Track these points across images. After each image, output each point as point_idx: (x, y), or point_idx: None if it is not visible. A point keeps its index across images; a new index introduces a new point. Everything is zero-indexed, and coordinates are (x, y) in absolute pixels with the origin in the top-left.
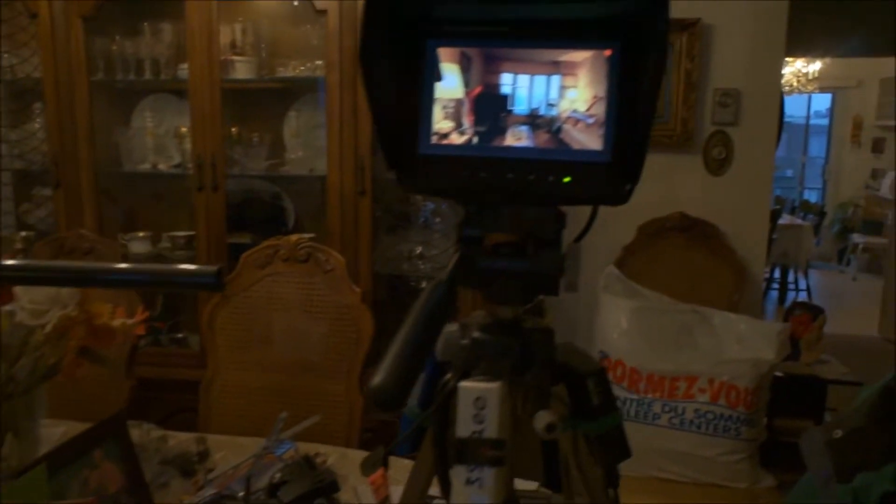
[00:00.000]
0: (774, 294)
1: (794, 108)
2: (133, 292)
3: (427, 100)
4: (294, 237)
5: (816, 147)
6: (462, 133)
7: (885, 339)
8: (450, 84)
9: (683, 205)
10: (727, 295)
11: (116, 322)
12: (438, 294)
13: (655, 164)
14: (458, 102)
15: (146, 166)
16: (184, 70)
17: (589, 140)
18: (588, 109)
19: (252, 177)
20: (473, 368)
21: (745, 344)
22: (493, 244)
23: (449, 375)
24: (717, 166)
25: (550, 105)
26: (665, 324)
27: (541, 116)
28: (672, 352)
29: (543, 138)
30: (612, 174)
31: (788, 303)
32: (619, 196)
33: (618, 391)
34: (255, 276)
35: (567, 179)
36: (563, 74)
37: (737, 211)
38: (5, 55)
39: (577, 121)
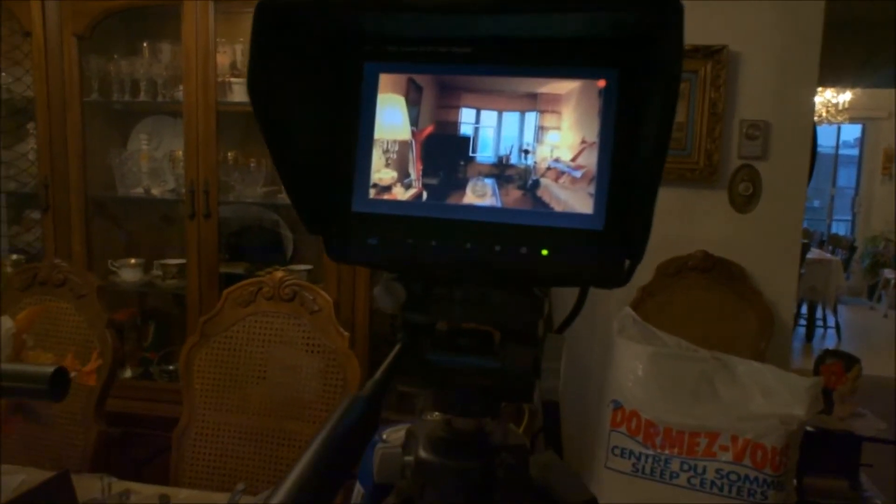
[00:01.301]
0: (801, 331)
1: (823, 138)
2: (103, 331)
3: (364, 141)
4: (279, 273)
5: (845, 178)
6: (408, 186)
7: None
8: (393, 121)
9: (706, 243)
10: (753, 342)
11: None
12: (356, 413)
13: (677, 199)
14: (404, 146)
15: (139, 191)
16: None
17: (575, 200)
18: (575, 158)
19: (250, 203)
20: (419, 497)
21: (772, 398)
22: (447, 331)
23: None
24: (743, 203)
25: (525, 152)
26: (684, 372)
27: (511, 167)
28: (692, 403)
29: (515, 196)
30: (605, 246)
31: (816, 339)
32: (615, 276)
33: (632, 445)
34: (238, 314)
35: (545, 252)
36: (542, 111)
37: (764, 251)
38: (2, 74)
39: (559, 173)
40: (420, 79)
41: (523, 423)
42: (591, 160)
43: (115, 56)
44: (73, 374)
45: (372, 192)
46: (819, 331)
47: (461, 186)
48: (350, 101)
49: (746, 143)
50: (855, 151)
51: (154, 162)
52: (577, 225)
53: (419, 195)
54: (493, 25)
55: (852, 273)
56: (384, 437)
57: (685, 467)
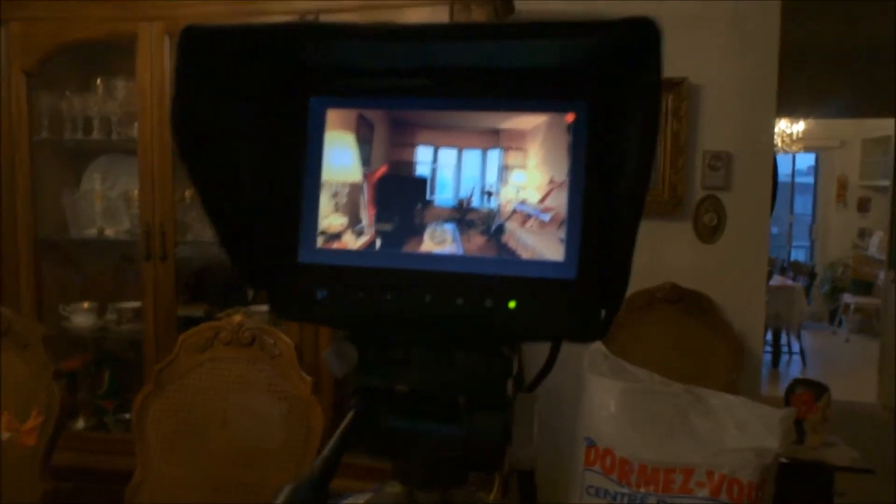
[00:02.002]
0: (767, 357)
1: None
2: (49, 382)
3: (311, 184)
4: (237, 317)
5: (801, 205)
6: (359, 233)
7: (885, 406)
8: (342, 162)
9: (674, 275)
10: (724, 373)
11: None
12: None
13: (643, 231)
14: (355, 189)
15: (93, 232)
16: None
17: (544, 246)
18: (543, 200)
19: (209, 243)
20: None
21: (746, 430)
22: (407, 394)
23: None
24: (708, 233)
25: (488, 193)
26: (657, 407)
27: (473, 210)
28: (666, 439)
29: (477, 243)
30: (579, 297)
31: (782, 365)
32: (590, 328)
33: (607, 484)
34: (194, 360)
35: (513, 305)
36: (506, 149)
37: (731, 281)
38: None
39: (526, 217)
40: (371, 114)
41: (493, 489)
42: (560, 201)
43: (67, 93)
44: (7, 436)
45: (320, 241)
46: (784, 357)
47: (418, 233)
48: (294, 140)
49: (710, 173)
50: (810, 179)
51: (108, 202)
52: (547, 274)
53: (372, 243)
54: (450, 55)
55: (813, 298)
56: None
57: None
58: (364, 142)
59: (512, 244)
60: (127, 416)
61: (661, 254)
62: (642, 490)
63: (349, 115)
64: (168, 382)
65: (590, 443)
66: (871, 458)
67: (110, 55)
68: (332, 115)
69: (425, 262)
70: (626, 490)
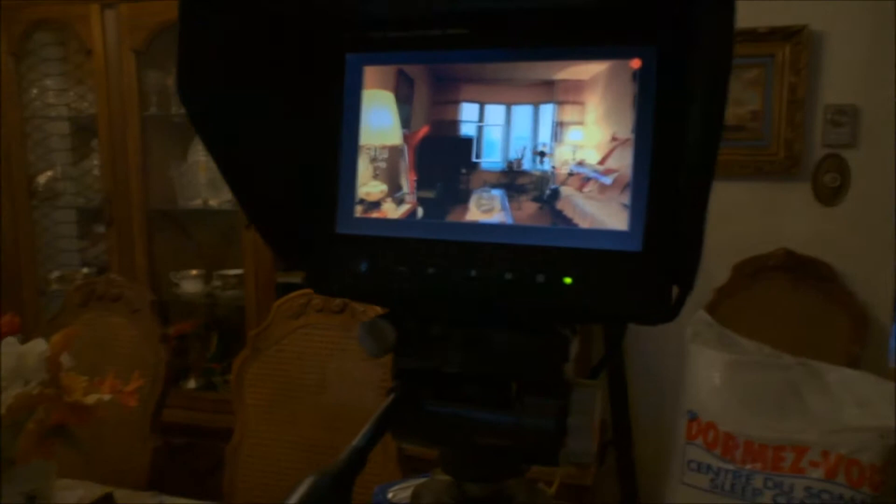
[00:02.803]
0: None
1: None
2: (157, 345)
3: (348, 149)
4: None
5: None
6: (400, 201)
7: None
8: (382, 123)
9: (789, 241)
10: (845, 347)
11: (91, 398)
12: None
13: (754, 193)
14: (395, 152)
15: (198, 202)
16: None
17: (606, 213)
18: (604, 161)
19: None
20: None
21: (868, 409)
22: (454, 376)
23: None
24: (830, 195)
25: (540, 154)
26: (767, 381)
27: (524, 174)
28: (776, 415)
29: (529, 210)
30: (645, 272)
31: None
32: (659, 308)
33: (710, 459)
34: (289, 327)
35: (569, 281)
36: (561, 103)
37: (856, 247)
38: (70, 92)
39: (585, 180)
40: (411, 70)
41: (555, 483)
42: (624, 162)
43: (173, 69)
44: (108, 397)
45: (358, 210)
46: None
47: (463, 200)
48: (328, 102)
49: (832, 130)
50: None
51: (212, 173)
52: (609, 245)
53: (413, 212)
54: None
55: None
56: (389, 496)
57: (770, 484)
58: (404, 101)
59: (568, 212)
60: None
61: (775, 218)
62: (748, 467)
63: (388, 71)
64: (264, 348)
65: (692, 416)
66: None
67: None
68: (370, 73)
69: (471, 233)
70: (730, 466)
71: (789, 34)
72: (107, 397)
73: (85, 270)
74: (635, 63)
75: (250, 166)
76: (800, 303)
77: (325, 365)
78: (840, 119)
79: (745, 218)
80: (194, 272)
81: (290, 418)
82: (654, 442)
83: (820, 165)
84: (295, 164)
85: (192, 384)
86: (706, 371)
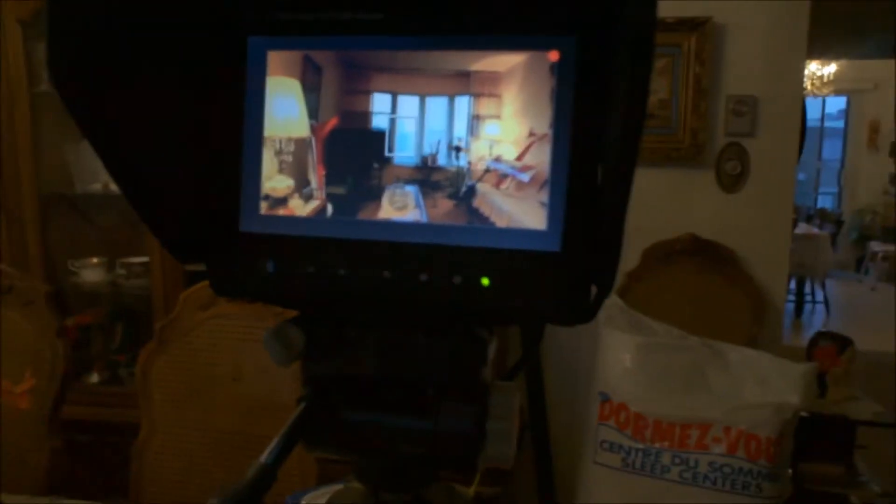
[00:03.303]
0: (790, 307)
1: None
2: (53, 340)
3: (251, 141)
4: None
5: (830, 150)
6: (308, 197)
7: None
8: (287, 113)
9: (694, 226)
10: (745, 327)
11: None
12: None
13: (662, 180)
14: (302, 145)
15: (97, 186)
16: None
17: (523, 212)
18: (521, 157)
19: None
20: None
21: (766, 386)
22: (367, 381)
23: None
24: (731, 182)
25: (456, 149)
26: (675, 362)
27: (439, 169)
28: (682, 394)
29: (444, 208)
30: (564, 272)
31: (805, 314)
32: (578, 309)
33: (621, 439)
34: (198, 318)
35: (486, 282)
36: (478, 95)
37: (755, 232)
38: None
39: (502, 177)
40: (319, 56)
41: (474, 482)
42: (542, 158)
43: None
44: None
45: (263, 206)
46: (808, 306)
47: (376, 196)
48: (229, 89)
49: (734, 119)
50: (839, 124)
51: None
52: (527, 245)
53: (322, 209)
54: None
55: (839, 246)
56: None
57: (676, 461)
58: (311, 89)
59: (485, 210)
60: None
61: (681, 204)
62: (657, 445)
63: (294, 57)
64: (171, 340)
65: (604, 397)
66: (895, 412)
67: None
68: (274, 58)
69: (384, 231)
70: (640, 445)
71: (695, 25)
72: None
73: None
74: (553, 55)
75: (139, 159)
76: (704, 285)
77: (238, 355)
78: (741, 109)
79: (654, 204)
80: (95, 260)
81: (203, 411)
82: (568, 424)
83: (722, 153)
84: (192, 157)
85: (94, 378)
86: (618, 354)
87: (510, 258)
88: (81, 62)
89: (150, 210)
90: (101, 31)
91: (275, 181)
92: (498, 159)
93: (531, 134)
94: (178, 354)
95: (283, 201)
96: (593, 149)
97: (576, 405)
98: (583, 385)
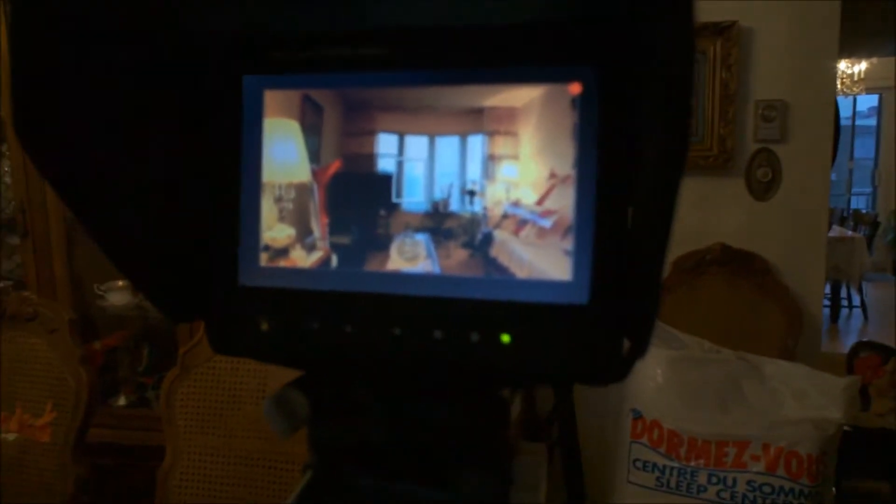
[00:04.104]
0: (826, 312)
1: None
2: (76, 367)
3: (249, 188)
4: None
5: (862, 149)
6: (311, 248)
7: None
8: (286, 157)
9: (725, 235)
10: (780, 339)
11: None
12: None
13: (691, 189)
14: (303, 191)
15: None
16: None
17: (546, 261)
18: (542, 201)
19: None
20: None
21: (805, 400)
22: (379, 447)
23: None
24: (762, 189)
25: (470, 193)
26: (708, 376)
27: (452, 216)
28: (718, 410)
29: (459, 258)
30: (592, 327)
31: (841, 319)
32: (608, 367)
33: (655, 457)
34: None
35: (506, 339)
36: (492, 133)
37: (788, 240)
38: None
39: (521, 223)
40: (319, 95)
41: None
42: (565, 202)
43: None
44: (13, 437)
45: (263, 258)
46: (844, 311)
47: (384, 246)
48: (223, 133)
49: (763, 125)
50: (871, 121)
51: None
52: (551, 297)
53: (326, 260)
54: (415, 12)
55: (875, 248)
56: None
57: (713, 480)
58: (312, 131)
59: (503, 259)
60: None
61: (710, 213)
62: (692, 464)
63: (292, 97)
64: (194, 366)
65: (636, 414)
66: None
67: None
68: (271, 98)
69: (393, 284)
70: (675, 464)
71: (720, 29)
72: (11, 437)
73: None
74: (574, 87)
75: (124, 216)
76: (737, 296)
77: (263, 376)
78: (770, 114)
79: (682, 213)
80: (121, 283)
81: (226, 436)
82: (598, 441)
83: (752, 160)
84: (184, 209)
85: (122, 401)
86: (649, 369)
87: (532, 312)
88: (51, 116)
89: (138, 269)
90: (74, 80)
91: (275, 231)
92: (516, 203)
93: (552, 175)
94: (201, 380)
95: (284, 252)
96: (621, 189)
97: (606, 422)
98: (613, 401)
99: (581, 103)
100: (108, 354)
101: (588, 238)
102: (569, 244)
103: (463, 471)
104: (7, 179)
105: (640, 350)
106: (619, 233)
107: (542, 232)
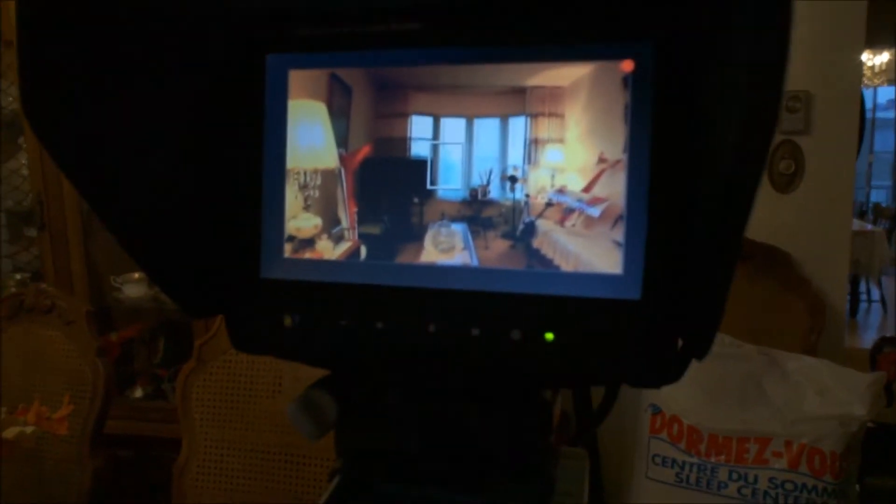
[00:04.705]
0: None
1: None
2: (93, 359)
3: (272, 174)
4: None
5: (882, 142)
6: (338, 238)
7: None
8: (312, 141)
9: (747, 228)
10: (802, 334)
11: (11, 431)
12: None
13: None
14: (330, 177)
15: None
16: None
17: (595, 253)
18: (589, 187)
19: None
20: None
21: (828, 396)
22: (410, 451)
23: None
24: (784, 182)
25: (510, 179)
26: (729, 371)
27: (492, 203)
28: (738, 406)
29: (498, 250)
30: (645, 324)
31: (860, 314)
32: (661, 368)
33: (675, 453)
34: None
35: (550, 336)
36: (535, 115)
37: (811, 233)
38: None
39: (567, 212)
40: (348, 74)
41: None
42: (615, 189)
43: None
44: (31, 430)
45: (288, 249)
46: (863, 305)
47: (417, 237)
48: (246, 116)
49: (786, 116)
50: (889, 114)
51: None
52: (599, 292)
53: (355, 251)
54: None
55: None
56: None
57: (734, 476)
58: (339, 114)
59: (547, 251)
60: None
61: None
62: (713, 460)
63: (318, 76)
64: (210, 359)
65: (655, 410)
66: None
67: None
68: (297, 79)
69: (427, 278)
70: (694, 459)
71: None
72: (29, 430)
73: (18, 276)
74: (626, 65)
75: (142, 204)
76: (758, 291)
77: (279, 369)
78: (794, 105)
79: None
80: (137, 275)
81: (243, 429)
82: (616, 436)
83: (775, 152)
84: (205, 197)
85: (138, 393)
86: None
87: (579, 308)
88: (65, 107)
89: (155, 261)
90: (87, 69)
91: (300, 220)
92: (561, 191)
93: (601, 160)
94: (217, 372)
95: (309, 243)
96: (677, 177)
97: (624, 417)
98: (631, 395)
99: (634, 82)
100: (124, 346)
101: (641, 228)
102: (619, 235)
103: (500, 477)
104: (24, 172)
105: (699, 351)
106: (675, 222)
107: (589, 221)
